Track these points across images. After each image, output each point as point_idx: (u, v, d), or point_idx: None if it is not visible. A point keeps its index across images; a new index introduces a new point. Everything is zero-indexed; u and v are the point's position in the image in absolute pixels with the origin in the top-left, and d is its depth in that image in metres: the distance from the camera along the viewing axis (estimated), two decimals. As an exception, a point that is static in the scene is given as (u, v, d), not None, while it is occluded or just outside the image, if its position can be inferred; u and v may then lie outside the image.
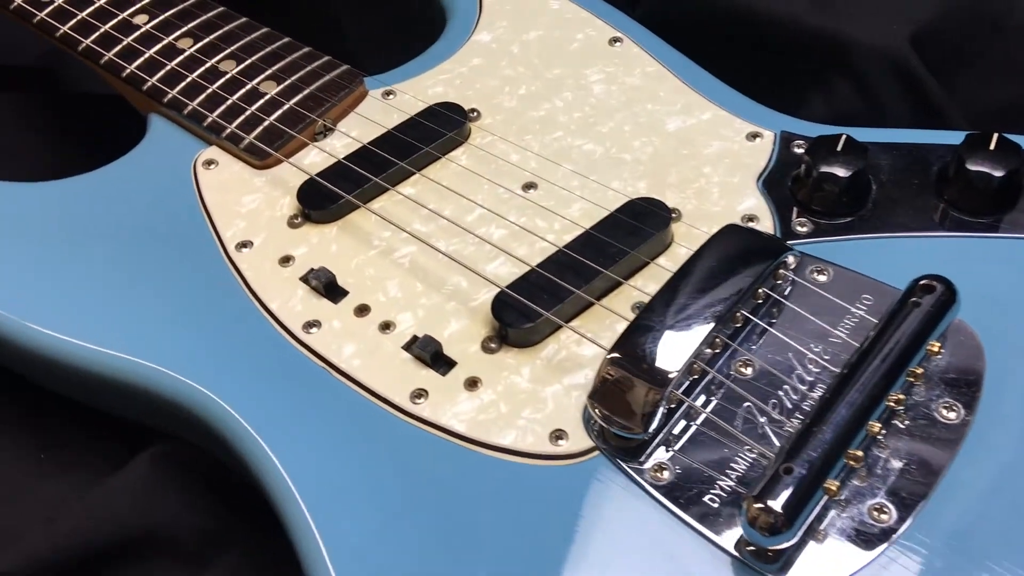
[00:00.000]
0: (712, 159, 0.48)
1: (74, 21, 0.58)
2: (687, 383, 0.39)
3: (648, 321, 0.39)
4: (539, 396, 0.40)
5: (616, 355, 0.38)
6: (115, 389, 0.44)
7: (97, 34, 0.57)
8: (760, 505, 0.34)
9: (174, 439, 0.46)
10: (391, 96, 0.53)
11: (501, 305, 0.42)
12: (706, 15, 0.59)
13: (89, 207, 0.49)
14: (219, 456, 0.44)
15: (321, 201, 0.47)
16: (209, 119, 0.52)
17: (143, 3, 0.58)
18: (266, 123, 0.51)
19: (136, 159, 0.52)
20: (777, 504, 0.34)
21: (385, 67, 0.56)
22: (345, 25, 0.71)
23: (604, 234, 0.44)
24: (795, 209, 0.45)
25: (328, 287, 0.44)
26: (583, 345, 0.42)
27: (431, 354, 0.41)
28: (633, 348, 0.38)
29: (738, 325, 0.40)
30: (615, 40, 0.55)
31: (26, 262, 0.47)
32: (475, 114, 0.51)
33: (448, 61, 0.55)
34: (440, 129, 0.50)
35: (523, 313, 0.41)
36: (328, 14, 0.72)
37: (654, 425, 0.37)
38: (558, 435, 0.39)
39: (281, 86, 0.53)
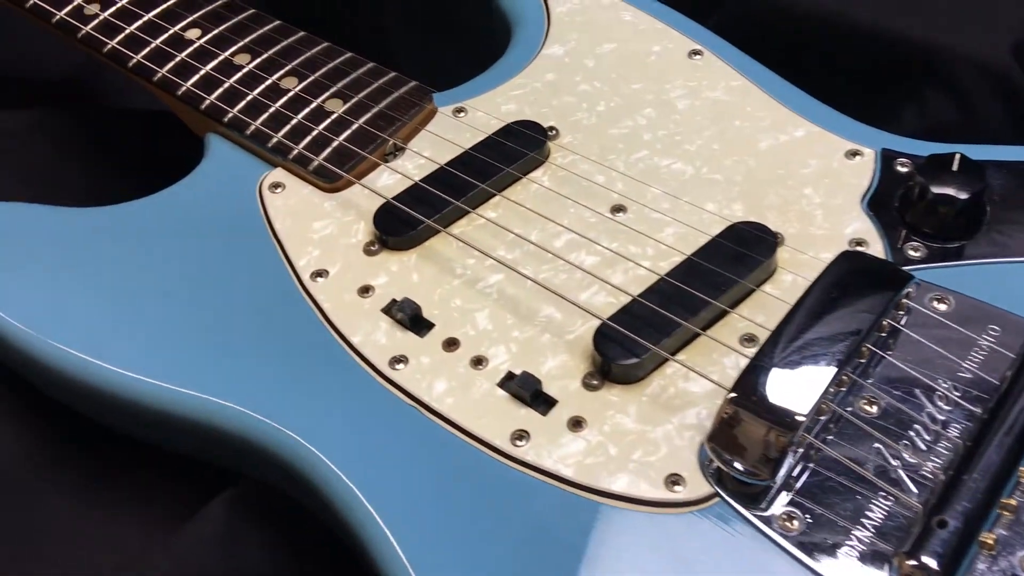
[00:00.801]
0: (811, 179, 0.46)
1: (122, 36, 0.55)
2: (815, 425, 0.36)
3: (770, 358, 0.36)
4: (649, 437, 0.38)
5: (738, 395, 0.36)
6: (188, 429, 0.42)
7: (148, 49, 0.54)
8: (914, 562, 0.31)
9: (249, 480, 0.44)
10: (462, 114, 0.51)
11: (604, 339, 0.39)
12: (786, 24, 0.56)
13: (151, 234, 0.47)
14: (299, 498, 0.42)
15: (400, 227, 0.45)
16: (274, 140, 0.49)
17: (194, 16, 0.56)
18: (335, 144, 0.49)
19: (196, 182, 0.49)
20: (932, 560, 0.31)
21: (435, 82, 0.55)
22: (393, 38, 0.69)
23: (708, 261, 0.41)
24: (904, 232, 0.43)
25: (414, 320, 0.42)
26: (691, 380, 0.39)
27: (531, 392, 0.39)
28: (756, 388, 0.36)
29: (862, 360, 0.38)
30: (695, 53, 0.52)
31: (89, 295, 0.44)
32: (554, 132, 0.49)
33: (519, 76, 0.52)
34: (520, 149, 0.47)
35: (628, 347, 0.39)
36: (375, 27, 0.70)
37: (783, 470, 0.35)
38: (674, 480, 0.36)
39: (348, 104, 0.50)
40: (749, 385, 0.36)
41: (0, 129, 0.64)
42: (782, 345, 0.37)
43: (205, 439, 0.42)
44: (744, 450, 0.35)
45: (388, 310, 0.42)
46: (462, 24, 0.68)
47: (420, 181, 0.47)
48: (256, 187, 0.48)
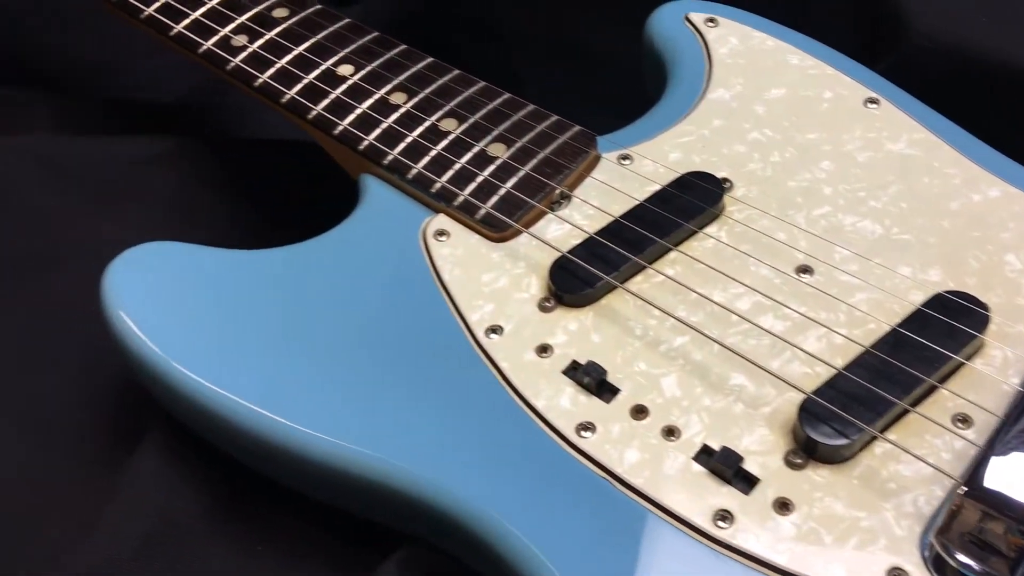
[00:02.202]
0: (1012, 244, 0.43)
1: (273, 70, 0.54)
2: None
3: (1004, 447, 0.34)
4: (863, 525, 0.36)
5: (972, 488, 0.34)
6: (359, 488, 0.40)
7: (301, 86, 0.53)
8: None
9: (420, 541, 0.42)
10: (628, 161, 0.49)
11: (810, 417, 0.37)
12: (974, 75, 0.54)
13: (314, 281, 0.45)
14: (476, 567, 0.40)
15: (578, 283, 0.43)
16: (437, 185, 0.48)
17: (345, 52, 0.55)
18: (502, 191, 0.47)
19: (356, 227, 0.48)
20: None
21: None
22: (525, 78, 0.68)
23: (916, 333, 0.39)
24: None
25: (600, 385, 0.40)
26: (903, 462, 0.37)
27: (734, 470, 0.37)
28: (992, 481, 0.33)
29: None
30: (871, 101, 0.50)
31: (255, 344, 0.43)
32: (728, 184, 0.47)
33: (684, 122, 0.50)
34: (697, 203, 0.45)
35: (838, 427, 0.37)
36: (507, 65, 0.68)
37: (1021, 570, 0.33)
38: (896, 574, 0.35)
39: (512, 149, 0.49)
40: (983, 477, 0.34)
41: (132, 157, 0.64)
42: (1016, 433, 0.35)
43: (378, 499, 0.40)
44: (978, 548, 0.33)
45: (571, 373, 0.41)
46: (592, 55, 0.67)
47: (595, 234, 0.45)
48: (419, 234, 0.47)
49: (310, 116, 0.52)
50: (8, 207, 0.60)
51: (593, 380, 0.40)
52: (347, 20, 0.57)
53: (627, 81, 0.64)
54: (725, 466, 0.37)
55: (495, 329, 0.43)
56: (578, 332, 0.42)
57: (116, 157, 0.63)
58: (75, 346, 0.56)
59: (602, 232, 0.45)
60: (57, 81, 0.82)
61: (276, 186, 0.63)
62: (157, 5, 0.58)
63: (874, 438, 0.38)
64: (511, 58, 0.66)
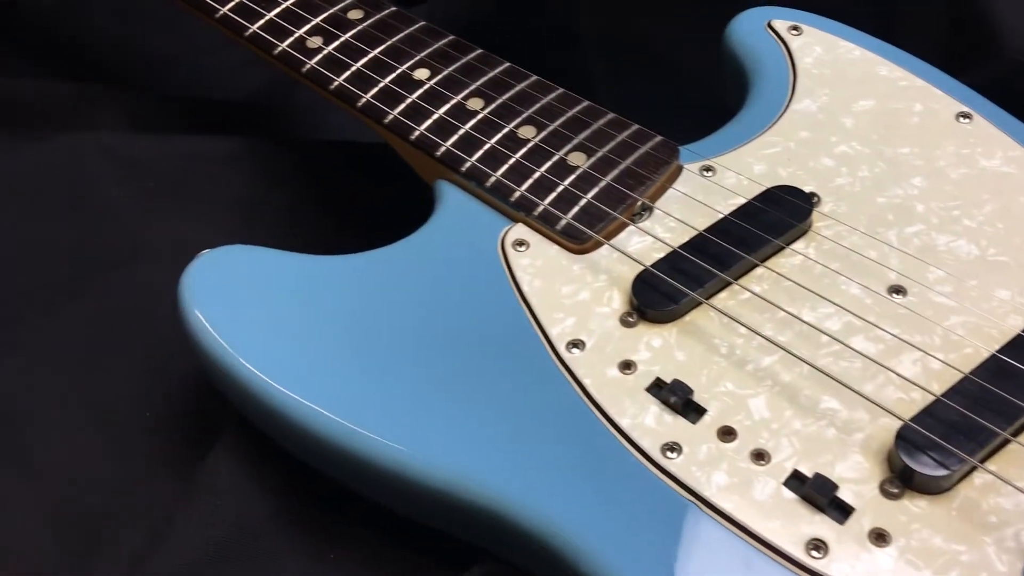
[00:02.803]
0: (1116, 268, 0.42)
1: (349, 73, 0.53)
2: None
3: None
4: (962, 559, 0.34)
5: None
6: (439, 502, 0.40)
7: (377, 89, 0.52)
8: None
9: (495, 557, 0.42)
10: (710, 173, 0.48)
11: (908, 445, 0.36)
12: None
13: (392, 290, 0.45)
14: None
15: (662, 299, 0.42)
16: (516, 194, 0.47)
17: (421, 55, 0.54)
18: (583, 202, 0.46)
19: (432, 235, 0.47)
20: None
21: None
22: (598, 83, 0.67)
23: (1017, 360, 0.38)
24: None
25: (686, 404, 0.40)
26: (1004, 494, 0.36)
27: (828, 498, 0.36)
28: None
29: None
30: (963, 116, 0.49)
31: (336, 354, 0.43)
32: (815, 199, 0.46)
33: (768, 133, 0.49)
34: (785, 218, 0.44)
35: (938, 457, 0.35)
36: (582, 69, 0.67)
37: None
38: (999, 612, 0.34)
39: (592, 159, 0.48)
40: (1096, 516, 0.33)
41: (202, 155, 0.64)
42: None
43: (456, 512, 0.40)
44: (1089, 589, 0.32)
45: (655, 391, 0.40)
46: (668, 61, 0.66)
47: (679, 248, 0.44)
48: (497, 243, 0.46)
49: (386, 121, 0.52)
50: (77, 202, 0.60)
51: (679, 399, 0.39)
52: (422, 23, 0.56)
53: (704, 88, 0.63)
54: (819, 494, 0.36)
55: (576, 343, 0.42)
56: (662, 349, 0.42)
57: (186, 155, 0.63)
58: (145, 345, 0.56)
59: (686, 246, 0.44)
60: (125, 75, 0.82)
61: (345, 188, 0.63)
62: (232, 4, 0.58)
63: (974, 468, 0.36)
64: (585, 62, 0.65)
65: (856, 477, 0.37)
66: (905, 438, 0.36)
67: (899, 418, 0.37)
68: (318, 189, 0.64)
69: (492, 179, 0.48)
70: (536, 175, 0.48)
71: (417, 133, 0.50)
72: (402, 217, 0.62)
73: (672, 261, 0.44)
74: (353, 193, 0.64)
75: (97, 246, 0.58)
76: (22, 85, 0.75)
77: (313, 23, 0.56)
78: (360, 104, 0.53)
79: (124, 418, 0.53)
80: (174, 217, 0.61)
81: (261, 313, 0.45)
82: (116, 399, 0.54)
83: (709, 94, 0.61)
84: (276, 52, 0.56)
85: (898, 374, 0.39)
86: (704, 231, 0.44)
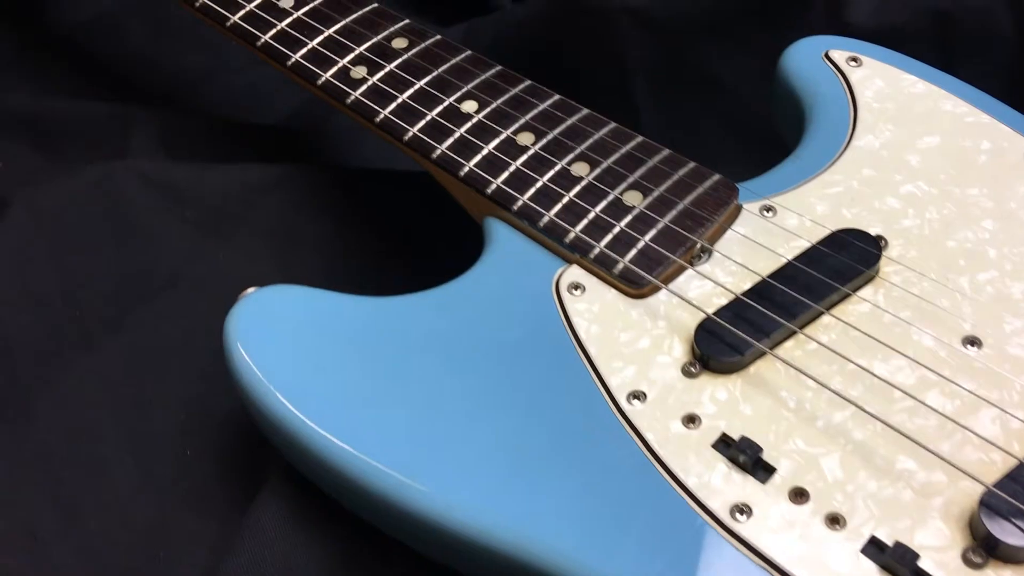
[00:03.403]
0: None
1: (394, 105, 0.52)
2: None
3: None
4: (1054, 635, 0.34)
5: None
6: (496, 562, 0.38)
7: (424, 122, 0.51)
8: None
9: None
10: (771, 213, 0.46)
11: (992, 513, 0.34)
12: None
13: (439, 333, 0.43)
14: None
15: (726, 349, 0.40)
16: (571, 235, 0.46)
17: (469, 87, 0.53)
18: (641, 244, 0.45)
19: (483, 276, 0.46)
20: None
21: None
22: (643, 109, 0.65)
23: (1106, 423, 0.37)
24: None
25: (755, 463, 0.38)
26: (1094, 567, 0.35)
27: (911, 568, 0.34)
28: None
29: None
30: (1034, 154, 0.48)
31: (387, 402, 0.41)
32: (883, 242, 0.44)
33: (828, 171, 0.47)
34: (852, 264, 0.42)
35: (1023, 526, 0.35)
36: (625, 95, 0.66)
37: None
38: None
39: (649, 198, 0.46)
40: None
41: (241, 182, 0.62)
42: None
43: (509, 570, 0.39)
44: None
45: (722, 448, 0.38)
46: (716, 87, 0.64)
47: (742, 295, 0.43)
48: (551, 285, 0.45)
49: (434, 156, 0.50)
50: (116, 234, 0.59)
51: (749, 459, 0.37)
52: (468, 52, 0.55)
53: (754, 116, 0.61)
54: (900, 564, 0.34)
55: (638, 395, 0.41)
56: (727, 402, 0.40)
57: (224, 183, 0.62)
58: (185, 380, 0.55)
59: (750, 293, 0.42)
60: (158, 93, 0.82)
61: (386, 218, 0.62)
62: (273, 32, 0.57)
63: (1062, 537, 0.35)
64: (629, 86, 0.64)
65: (937, 545, 0.35)
66: (988, 505, 0.35)
67: (980, 482, 0.36)
68: (358, 218, 0.62)
69: (545, 219, 0.46)
70: (591, 215, 0.46)
71: (466, 169, 0.49)
72: (446, 247, 0.61)
73: (735, 309, 0.42)
74: (395, 223, 0.63)
75: (136, 278, 0.57)
76: (54, 104, 0.75)
77: (356, 52, 0.55)
78: (407, 138, 0.51)
79: (165, 456, 0.52)
80: (213, 247, 0.60)
81: (309, 357, 0.44)
82: (156, 437, 0.53)
83: (760, 123, 0.60)
84: (319, 83, 0.55)
85: (976, 434, 0.38)
86: (768, 277, 0.43)
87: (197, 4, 0.60)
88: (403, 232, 0.62)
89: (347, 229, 0.62)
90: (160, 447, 0.52)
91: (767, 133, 0.60)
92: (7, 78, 0.85)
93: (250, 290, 0.47)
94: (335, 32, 0.56)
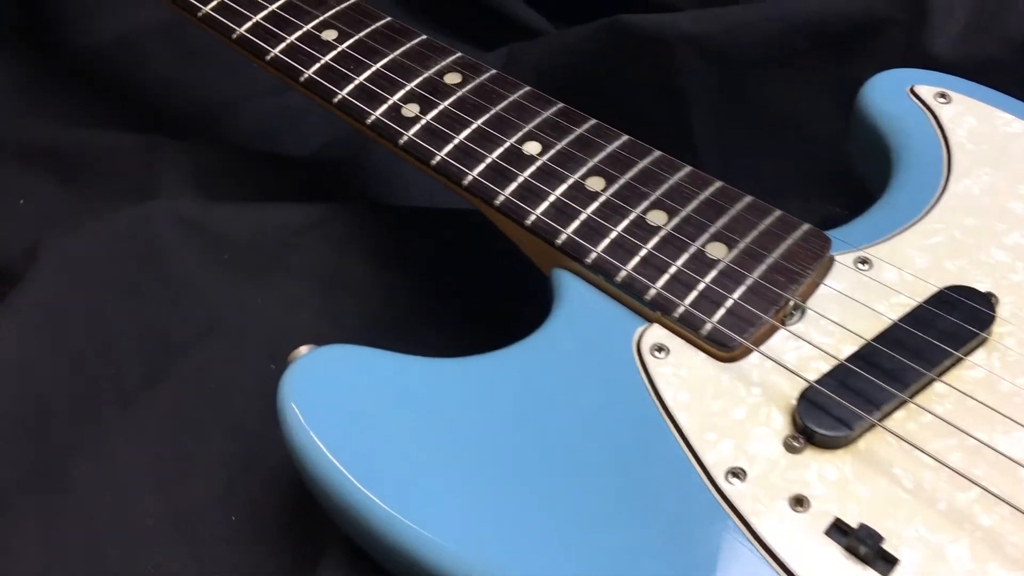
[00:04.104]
0: None
1: (451, 147, 0.49)
2: None
3: None
4: None
5: None
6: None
7: (484, 166, 0.48)
8: None
9: None
10: (866, 266, 0.43)
11: None
12: None
13: (510, 398, 0.40)
14: None
15: (833, 423, 0.37)
16: (652, 291, 0.42)
17: (530, 127, 0.49)
18: (729, 302, 0.41)
19: (555, 336, 0.42)
20: None
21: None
22: (706, 144, 0.62)
23: None
24: None
25: (876, 553, 0.35)
26: None
27: None
28: None
29: None
30: None
31: (453, 473, 0.38)
32: (994, 300, 0.41)
33: (926, 219, 0.44)
34: (964, 325, 0.39)
35: None
36: (685, 128, 0.62)
37: None
38: None
39: (734, 251, 0.43)
40: None
41: (277, 222, 0.59)
42: None
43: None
44: None
45: (837, 535, 0.35)
46: (784, 122, 0.61)
47: (846, 361, 0.40)
48: (632, 346, 0.42)
49: (496, 202, 0.47)
50: (150, 277, 0.56)
51: (871, 550, 0.34)
52: (527, 88, 0.52)
53: (821, 155, 0.58)
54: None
55: (737, 472, 0.37)
56: (838, 482, 0.36)
57: (261, 223, 0.59)
58: (226, 438, 0.52)
59: (854, 359, 0.39)
60: (186, 121, 0.78)
61: (434, 258, 0.59)
62: (317, 67, 0.54)
63: None
64: (686, 120, 0.61)
65: (1087, 650, 0.32)
66: None
67: None
68: (404, 260, 0.59)
69: (622, 273, 0.43)
70: (672, 270, 0.43)
71: (533, 218, 0.46)
72: (498, 291, 0.58)
73: (840, 376, 0.39)
74: (443, 265, 0.59)
75: (173, 327, 0.54)
76: (77, 136, 0.72)
77: (407, 89, 0.52)
78: (466, 183, 0.48)
79: (207, 524, 0.49)
80: (251, 292, 0.57)
81: (370, 424, 0.40)
82: (198, 501, 0.50)
83: (828, 161, 0.57)
84: (369, 121, 0.51)
85: (1119, 520, 0.35)
86: (873, 340, 0.40)
87: (233, 36, 0.57)
88: (452, 275, 0.58)
89: (392, 271, 0.58)
90: (204, 513, 0.48)
91: (836, 172, 0.57)
92: (25, 106, 0.82)
93: (303, 349, 0.44)
94: (383, 67, 0.53)
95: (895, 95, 0.50)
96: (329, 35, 0.55)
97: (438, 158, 0.49)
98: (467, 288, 0.58)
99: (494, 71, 0.53)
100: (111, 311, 0.51)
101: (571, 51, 0.66)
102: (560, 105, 0.51)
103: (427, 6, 0.84)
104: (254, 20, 0.57)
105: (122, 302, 0.52)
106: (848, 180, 0.55)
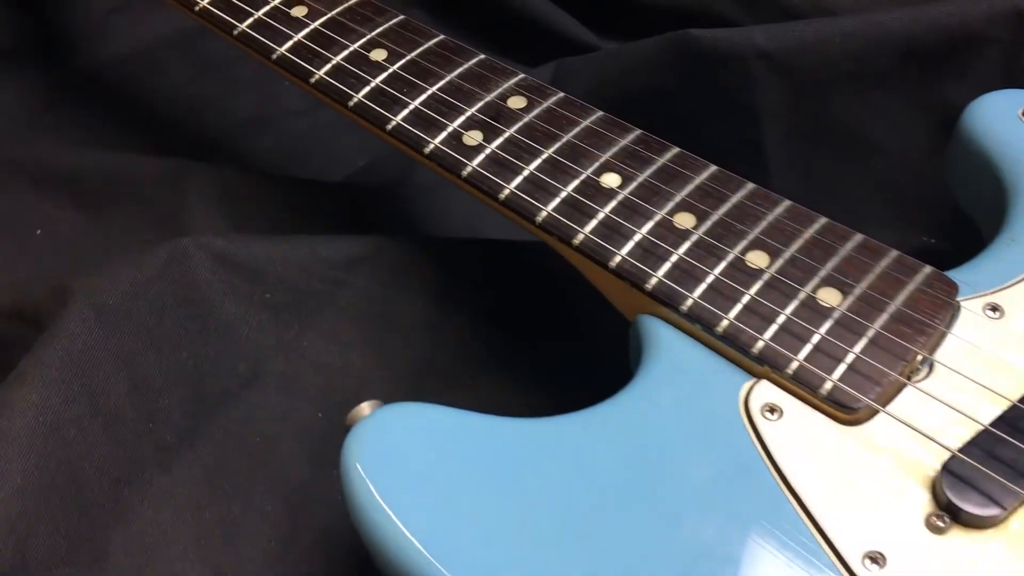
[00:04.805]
0: None
1: (520, 179, 0.44)
2: None
3: None
4: None
5: None
6: None
7: (558, 201, 0.43)
8: None
9: None
10: (997, 314, 0.38)
11: None
12: None
13: (600, 463, 0.36)
14: None
15: (983, 500, 0.32)
16: (759, 344, 0.38)
17: (607, 157, 0.44)
18: (849, 357, 0.37)
19: (648, 395, 0.38)
20: None
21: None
22: (774, 170, 0.58)
23: None
24: None
25: (1049, 658, 0.31)
26: None
27: None
28: None
29: None
30: None
31: (538, 545, 0.34)
32: None
33: (1055, 260, 0.41)
34: (1119, 384, 0.36)
35: None
36: (758, 147, 0.58)
37: None
38: None
39: (850, 298, 0.38)
40: None
41: (320, 257, 0.55)
42: None
43: None
44: None
45: (1000, 634, 0.32)
46: (867, 143, 0.57)
47: (990, 426, 0.35)
48: (739, 406, 0.37)
49: (576, 241, 0.42)
50: (187, 322, 0.51)
51: (1044, 654, 0.31)
52: (600, 113, 0.47)
53: (907, 180, 0.54)
54: None
55: (875, 558, 0.33)
56: (993, 568, 0.33)
57: (305, 258, 0.53)
58: (272, 497, 0.47)
59: (999, 423, 0.35)
60: (209, 142, 0.74)
61: (491, 296, 0.54)
62: (367, 91, 0.49)
63: None
64: (758, 142, 0.57)
65: None
66: None
67: None
68: (460, 297, 0.54)
69: (724, 323, 0.38)
70: (781, 319, 0.38)
71: (618, 260, 0.41)
72: (564, 330, 0.54)
73: (985, 444, 0.34)
74: (504, 302, 0.55)
75: (213, 377, 0.49)
76: (95, 159, 0.67)
77: (468, 114, 0.47)
78: (540, 220, 0.43)
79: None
80: (295, 335, 0.52)
81: (446, 494, 0.36)
82: (245, 567, 0.45)
83: (916, 186, 0.53)
84: (427, 151, 0.47)
85: None
86: (1019, 402, 0.36)
87: (273, 57, 0.52)
88: (515, 313, 0.54)
89: (447, 310, 0.54)
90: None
91: (925, 198, 0.53)
92: (39, 128, 0.77)
93: (366, 408, 0.40)
94: (439, 90, 0.48)
95: (1006, 118, 0.45)
96: (378, 55, 0.51)
97: (507, 191, 0.44)
98: (532, 329, 0.54)
99: (561, 94, 0.48)
100: (147, 362, 0.47)
101: (632, 67, 0.61)
102: (638, 132, 0.46)
103: (464, 18, 0.80)
104: (295, 39, 0.52)
105: (158, 351, 0.48)
106: (941, 209, 0.51)
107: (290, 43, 0.52)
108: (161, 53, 0.81)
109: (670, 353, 0.39)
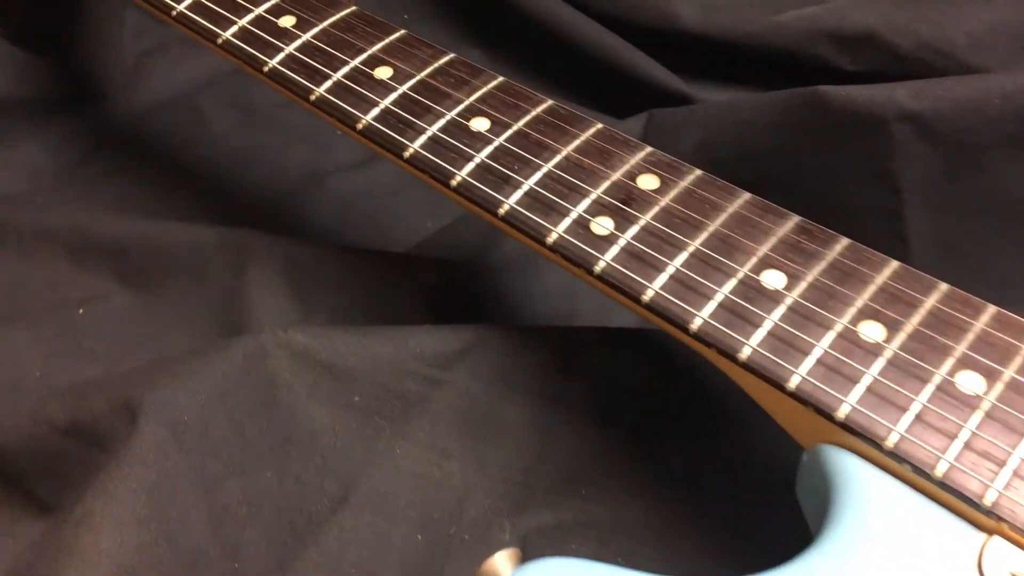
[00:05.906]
0: None
1: (665, 278, 0.37)
2: None
3: None
4: None
5: None
6: None
7: (715, 305, 0.36)
8: None
9: None
10: None
11: None
12: None
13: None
14: None
15: None
16: (992, 495, 0.31)
17: (765, 250, 0.37)
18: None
19: (849, 551, 0.31)
20: None
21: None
22: (914, 242, 0.51)
23: None
24: None
25: None
26: None
27: None
28: None
29: None
30: None
31: None
32: None
33: None
34: None
35: None
36: (888, 225, 0.52)
37: None
38: None
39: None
40: None
41: (418, 354, 0.47)
42: None
43: None
44: None
45: None
46: (1018, 218, 0.51)
47: None
48: (974, 572, 0.32)
49: (741, 356, 0.35)
50: (269, 435, 0.44)
51: None
52: (747, 196, 0.40)
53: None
54: None
55: None
56: None
57: (396, 354, 0.47)
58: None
59: None
60: (261, 202, 0.68)
61: (610, 395, 0.47)
62: (470, 168, 0.43)
63: None
64: (898, 211, 0.50)
65: None
66: None
67: None
68: (573, 396, 0.47)
69: (943, 465, 0.32)
70: (1015, 463, 0.32)
71: (797, 380, 0.34)
72: (695, 426, 0.47)
73: None
74: (621, 395, 0.48)
75: (300, 499, 0.43)
76: (141, 228, 0.60)
77: (593, 197, 0.41)
78: (695, 328, 0.37)
79: None
80: (388, 442, 0.46)
81: None
82: None
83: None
84: (550, 241, 0.40)
85: None
86: None
87: (359, 127, 0.45)
88: (636, 411, 0.48)
89: (558, 410, 0.48)
90: None
91: None
92: (73, 186, 0.71)
93: (502, 563, 0.34)
94: (556, 167, 0.42)
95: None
96: (479, 124, 0.45)
97: (651, 293, 0.38)
98: (653, 428, 0.48)
99: (699, 172, 0.42)
100: (229, 488, 0.41)
101: (747, 124, 0.55)
102: (797, 219, 0.39)
103: (531, 61, 0.74)
104: (382, 106, 0.46)
105: (240, 473, 0.41)
106: None
107: (375, 111, 0.46)
108: (200, 98, 0.75)
109: (869, 499, 0.33)
